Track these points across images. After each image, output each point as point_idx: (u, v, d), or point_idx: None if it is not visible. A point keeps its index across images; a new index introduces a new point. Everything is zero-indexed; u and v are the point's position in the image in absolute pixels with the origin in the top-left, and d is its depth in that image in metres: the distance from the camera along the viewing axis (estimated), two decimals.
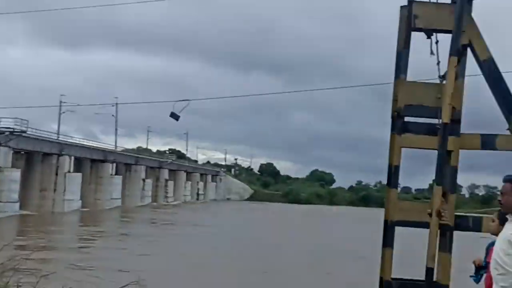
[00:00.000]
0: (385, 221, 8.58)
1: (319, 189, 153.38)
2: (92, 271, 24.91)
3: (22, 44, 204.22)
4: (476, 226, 7.82)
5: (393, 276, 8.45)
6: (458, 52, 7.66)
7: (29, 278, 9.10)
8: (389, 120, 8.87)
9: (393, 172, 8.47)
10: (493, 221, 6.07)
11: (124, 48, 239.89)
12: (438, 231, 7.47)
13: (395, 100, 8.63)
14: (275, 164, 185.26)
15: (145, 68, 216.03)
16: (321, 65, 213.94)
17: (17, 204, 58.16)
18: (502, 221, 5.47)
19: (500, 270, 5.11)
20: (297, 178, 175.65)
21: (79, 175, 74.20)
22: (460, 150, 7.98)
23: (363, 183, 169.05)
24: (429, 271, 7.36)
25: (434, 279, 7.64)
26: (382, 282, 8.46)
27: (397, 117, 8.51)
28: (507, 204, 5.21)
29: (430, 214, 7.35)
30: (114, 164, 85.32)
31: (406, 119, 8.54)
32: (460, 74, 7.90)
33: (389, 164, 8.63)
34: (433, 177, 7.62)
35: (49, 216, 61.88)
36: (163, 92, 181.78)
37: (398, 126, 8.42)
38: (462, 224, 7.84)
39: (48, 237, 39.50)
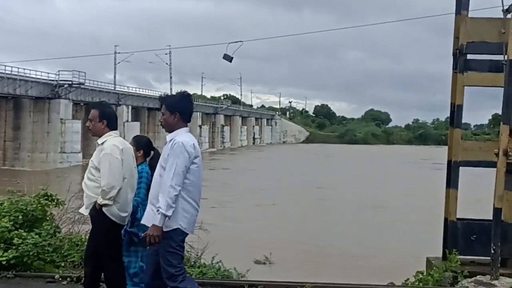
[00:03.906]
0: (449, 162, 8.49)
1: (375, 128, 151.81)
2: None
3: None
4: None
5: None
6: None
7: None
8: (448, 55, 8.66)
9: (456, 111, 8.31)
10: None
11: None
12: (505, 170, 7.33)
13: (456, 38, 8.40)
14: (329, 105, 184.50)
15: (194, 12, 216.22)
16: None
17: (80, 155, 59.71)
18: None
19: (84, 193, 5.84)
20: (353, 118, 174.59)
21: (137, 124, 75.46)
22: None
23: (420, 121, 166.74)
24: (497, 211, 7.27)
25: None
26: (447, 222, 8.43)
27: (459, 55, 8.30)
28: (94, 129, 5.91)
29: (497, 154, 7.21)
30: None
31: (469, 56, 8.32)
32: None
33: (452, 103, 8.47)
34: (493, 112, 7.44)
35: None
36: (213, 37, 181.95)
37: (461, 64, 8.21)
38: None
39: None
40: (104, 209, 5.64)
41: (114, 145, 5.75)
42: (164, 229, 5.08)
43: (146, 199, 5.79)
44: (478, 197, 18.56)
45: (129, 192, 5.84)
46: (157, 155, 6.23)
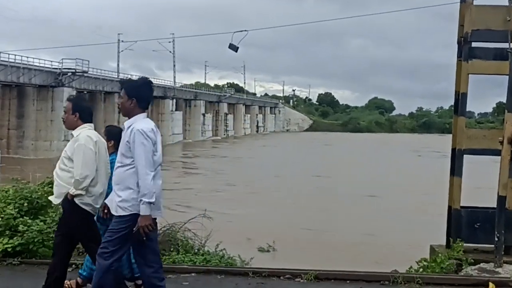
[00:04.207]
0: (453, 150, 8.49)
1: (378, 116, 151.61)
2: None
3: None
4: None
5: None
6: None
7: None
8: (452, 43, 8.63)
9: (460, 99, 8.30)
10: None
11: None
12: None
13: (461, 26, 8.37)
14: (333, 93, 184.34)
15: (196, 0, 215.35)
16: None
17: None
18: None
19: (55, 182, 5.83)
20: (356, 107, 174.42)
21: None
22: None
23: (423, 109, 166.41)
24: (501, 198, 7.27)
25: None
26: (450, 210, 8.44)
27: (463, 43, 8.27)
28: (67, 121, 5.99)
29: (501, 142, 7.20)
30: (174, 100, 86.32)
31: (474, 44, 8.30)
32: None
33: (456, 92, 8.45)
34: (497, 101, 7.45)
35: None
36: (215, 25, 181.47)
37: (465, 52, 8.18)
38: None
39: None
40: (76, 199, 5.66)
41: (88, 136, 5.82)
42: (122, 213, 5.13)
43: None
44: (482, 185, 18.56)
45: (102, 184, 5.88)
46: None
